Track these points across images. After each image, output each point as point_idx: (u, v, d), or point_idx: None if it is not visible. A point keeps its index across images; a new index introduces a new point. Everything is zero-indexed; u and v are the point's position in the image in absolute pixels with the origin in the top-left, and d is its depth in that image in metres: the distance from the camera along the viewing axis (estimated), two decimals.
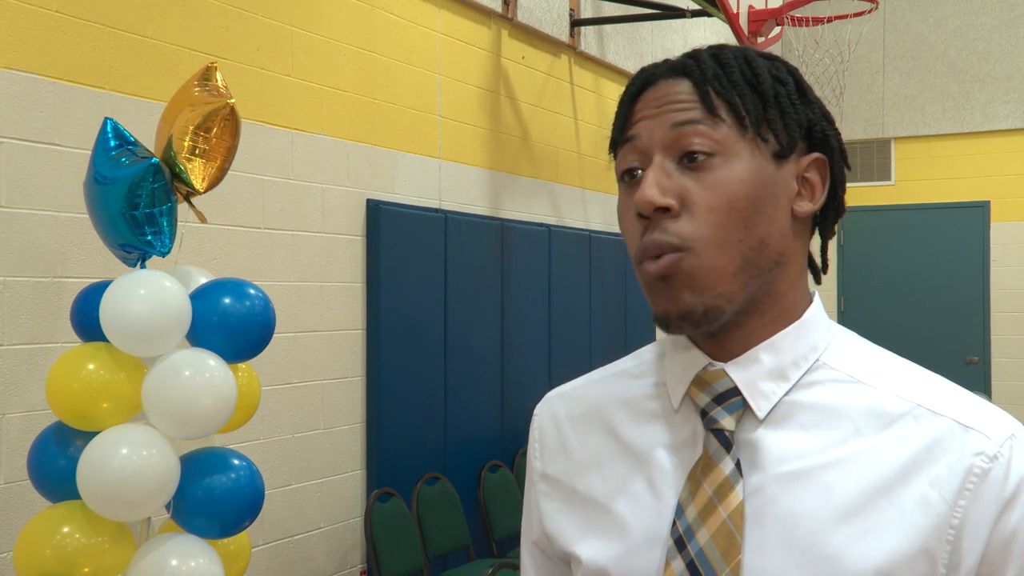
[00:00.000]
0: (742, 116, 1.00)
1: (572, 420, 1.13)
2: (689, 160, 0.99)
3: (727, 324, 1.01)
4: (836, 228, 1.10)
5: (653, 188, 0.98)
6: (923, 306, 9.06)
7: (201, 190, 2.72)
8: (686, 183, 0.99)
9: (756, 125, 1.00)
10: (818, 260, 1.10)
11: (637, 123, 1.03)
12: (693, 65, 1.02)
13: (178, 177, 2.69)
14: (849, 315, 9.26)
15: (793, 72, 1.05)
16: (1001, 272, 8.89)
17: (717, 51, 1.04)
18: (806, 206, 1.04)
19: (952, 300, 8.99)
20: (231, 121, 2.72)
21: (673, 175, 0.99)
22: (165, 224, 2.65)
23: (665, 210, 0.98)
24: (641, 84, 1.05)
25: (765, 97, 1.01)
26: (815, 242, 1.08)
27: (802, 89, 1.05)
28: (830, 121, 1.06)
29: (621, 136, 1.05)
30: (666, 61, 1.05)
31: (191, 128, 2.67)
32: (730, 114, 1.00)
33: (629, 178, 1.03)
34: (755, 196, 0.99)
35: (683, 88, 1.01)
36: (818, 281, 1.09)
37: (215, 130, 2.68)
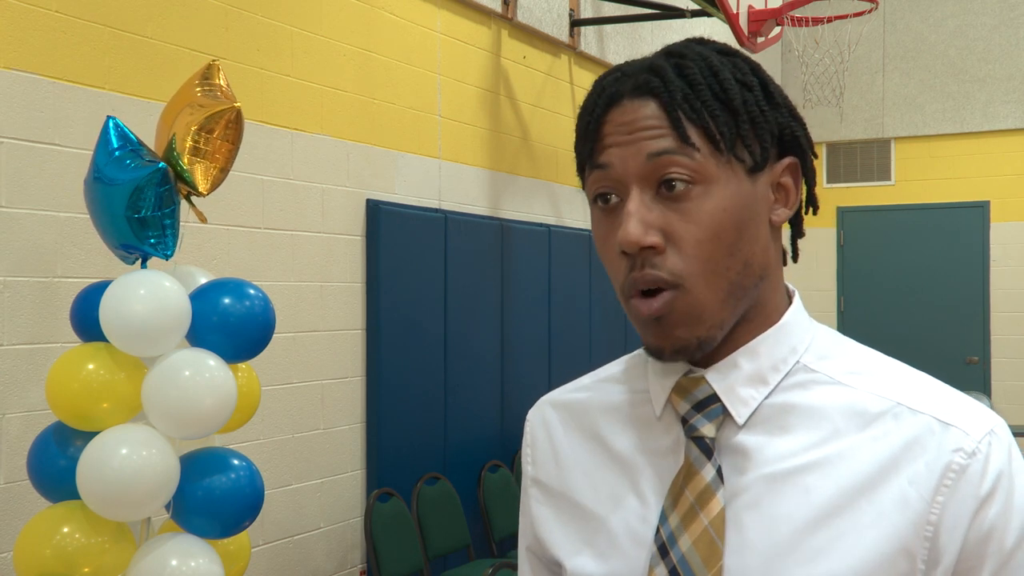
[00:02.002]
0: (716, 140, 0.97)
1: (562, 427, 1.13)
2: (667, 189, 0.97)
3: None
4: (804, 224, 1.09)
5: (637, 227, 0.96)
6: (923, 306, 9.05)
7: (204, 192, 2.72)
8: (668, 216, 0.97)
9: (731, 147, 0.98)
10: (788, 250, 1.09)
11: (608, 149, 0.99)
12: (659, 84, 0.98)
13: (180, 177, 2.69)
14: (849, 315, 9.26)
15: (756, 70, 1.02)
16: (1001, 272, 8.89)
17: (680, 61, 1.00)
18: (783, 213, 1.03)
19: (952, 300, 8.98)
20: (236, 124, 2.72)
21: (653, 208, 0.97)
22: (169, 228, 2.65)
23: (650, 247, 0.97)
24: (606, 104, 1.01)
25: (736, 113, 0.98)
26: (784, 231, 1.07)
27: (768, 91, 1.02)
28: (797, 118, 1.04)
29: (590, 160, 1.02)
30: (626, 74, 1.01)
31: (193, 128, 2.66)
32: (704, 140, 0.97)
33: (603, 202, 1.01)
34: (738, 221, 0.98)
35: (651, 111, 0.98)
36: (783, 263, 1.07)
37: (217, 132, 2.68)
